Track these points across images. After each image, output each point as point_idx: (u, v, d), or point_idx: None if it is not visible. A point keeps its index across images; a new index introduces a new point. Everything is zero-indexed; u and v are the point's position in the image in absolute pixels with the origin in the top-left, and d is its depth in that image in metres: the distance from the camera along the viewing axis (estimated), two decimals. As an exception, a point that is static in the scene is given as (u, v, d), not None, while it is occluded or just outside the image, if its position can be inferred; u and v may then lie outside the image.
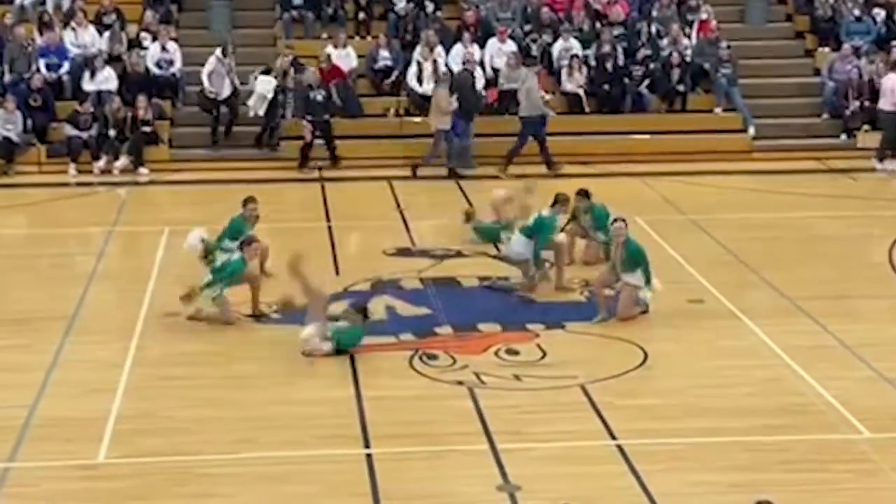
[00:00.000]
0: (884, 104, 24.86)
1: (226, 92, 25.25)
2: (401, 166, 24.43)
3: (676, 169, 24.35)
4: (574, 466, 11.61)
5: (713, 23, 27.40)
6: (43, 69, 25.39)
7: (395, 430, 12.38)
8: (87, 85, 25.24)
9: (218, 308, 15.37)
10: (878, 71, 26.03)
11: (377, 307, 15.88)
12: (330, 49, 26.06)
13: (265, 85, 24.93)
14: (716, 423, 12.54)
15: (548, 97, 25.81)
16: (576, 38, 26.74)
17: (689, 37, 27.30)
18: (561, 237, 17.37)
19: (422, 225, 20.50)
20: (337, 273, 17.73)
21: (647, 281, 15.60)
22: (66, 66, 25.63)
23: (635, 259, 15.60)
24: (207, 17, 28.13)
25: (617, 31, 26.95)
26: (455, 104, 24.24)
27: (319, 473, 11.49)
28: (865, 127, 25.88)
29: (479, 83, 25.36)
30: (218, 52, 25.39)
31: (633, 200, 21.69)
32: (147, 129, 24.57)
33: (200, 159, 24.93)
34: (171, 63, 26.00)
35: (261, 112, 24.99)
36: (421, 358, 14.24)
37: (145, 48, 26.09)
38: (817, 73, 27.38)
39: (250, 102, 25.04)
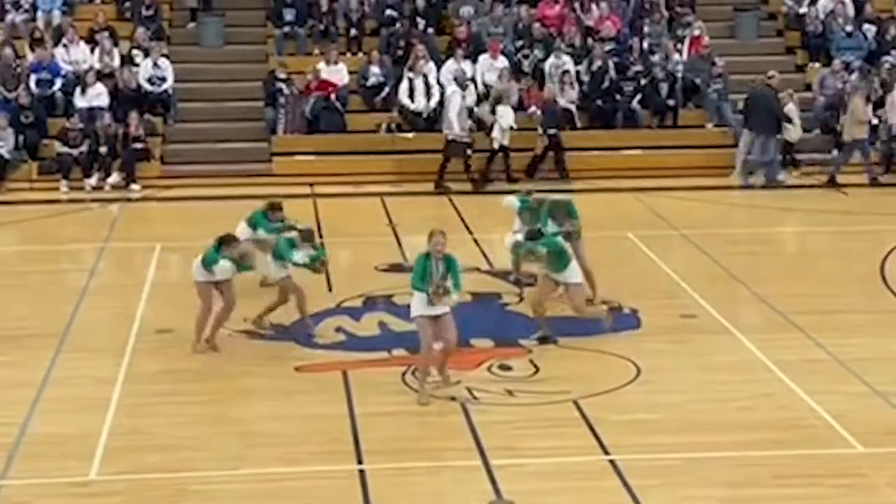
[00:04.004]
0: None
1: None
2: (392, 182, 24.43)
3: (668, 184, 24.38)
4: (567, 482, 11.59)
5: (705, 39, 27.44)
6: (33, 86, 25.38)
7: (388, 446, 12.37)
8: (79, 101, 25.22)
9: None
10: (877, 88, 26.00)
11: (370, 323, 15.84)
12: (321, 65, 26.06)
13: (507, 116, 24.62)
14: (709, 438, 12.53)
15: (538, 112, 25.90)
16: (567, 53, 26.77)
17: (680, 52, 27.35)
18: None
19: (413, 240, 20.47)
20: (329, 289, 17.72)
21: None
22: (57, 83, 25.62)
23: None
24: (199, 33, 28.14)
25: (608, 46, 26.99)
26: (871, 114, 24.68)
27: (313, 489, 11.47)
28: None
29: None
30: (456, 87, 24.69)
31: (624, 216, 21.77)
32: (138, 145, 24.56)
33: (192, 175, 24.88)
34: (162, 79, 25.99)
35: (505, 142, 24.51)
36: (414, 373, 14.22)
37: (137, 65, 26.10)
38: (808, 88, 27.42)
39: (495, 134, 24.57)
